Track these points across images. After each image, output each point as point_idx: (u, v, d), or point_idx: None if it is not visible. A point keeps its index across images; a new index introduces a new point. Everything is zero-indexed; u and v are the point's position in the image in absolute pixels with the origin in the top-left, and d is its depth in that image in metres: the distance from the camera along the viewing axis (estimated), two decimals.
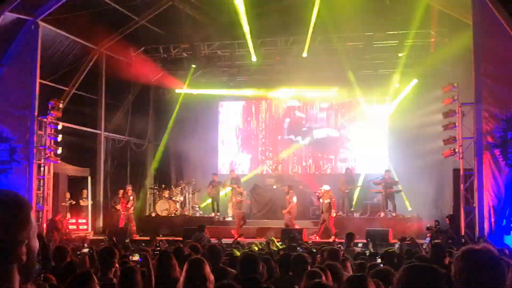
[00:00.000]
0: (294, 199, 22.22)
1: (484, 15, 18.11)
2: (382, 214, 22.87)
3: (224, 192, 25.31)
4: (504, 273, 3.29)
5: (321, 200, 21.81)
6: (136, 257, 9.20)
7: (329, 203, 21.34)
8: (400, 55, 24.25)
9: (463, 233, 18.54)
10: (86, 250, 11.65)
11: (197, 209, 25.78)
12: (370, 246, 16.21)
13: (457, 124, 19.25)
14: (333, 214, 21.32)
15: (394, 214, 22.96)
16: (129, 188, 23.84)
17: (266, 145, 28.52)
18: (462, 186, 19.04)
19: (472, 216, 18.50)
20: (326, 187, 21.79)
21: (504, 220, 17.68)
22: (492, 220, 17.80)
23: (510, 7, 17.78)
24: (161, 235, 20.30)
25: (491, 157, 18.01)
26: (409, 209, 23.93)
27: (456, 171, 19.81)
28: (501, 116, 17.90)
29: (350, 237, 14.31)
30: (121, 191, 24.37)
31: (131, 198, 23.38)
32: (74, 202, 24.01)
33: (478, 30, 18.43)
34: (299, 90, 26.95)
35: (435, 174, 24.54)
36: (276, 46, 25.35)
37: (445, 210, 22.45)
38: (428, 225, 19.54)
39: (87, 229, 23.70)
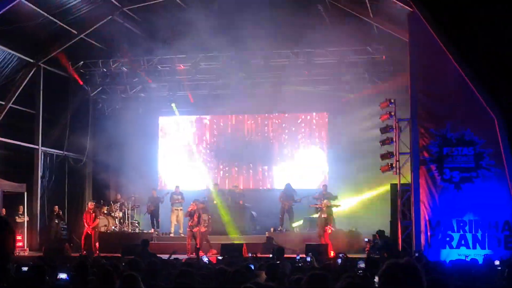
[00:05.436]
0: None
1: (420, 32, 18.48)
2: (329, 230, 22.98)
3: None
4: (422, 286, 3.35)
5: (318, 214, 21.79)
6: (63, 275, 8.92)
7: (326, 218, 21.37)
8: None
9: (400, 247, 18.75)
10: (25, 268, 11.28)
11: (137, 225, 25.53)
12: (313, 260, 16.23)
13: (394, 139, 19.50)
14: (329, 231, 21.34)
15: (333, 229, 23.10)
16: (90, 205, 23.19)
17: (207, 160, 28.46)
18: (399, 200, 19.27)
19: (410, 230, 18.75)
20: (327, 202, 21.81)
21: (440, 234, 18.02)
22: (429, 234, 18.10)
23: (445, 25, 18.18)
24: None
25: (427, 172, 18.33)
26: (348, 224, 24.12)
27: (393, 185, 20.06)
28: (437, 132, 18.26)
29: (280, 251, 14.35)
30: (56, 207, 24.11)
31: (95, 214, 22.73)
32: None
33: (414, 48, 18.80)
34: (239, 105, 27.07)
35: (373, 189, 24.87)
36: (218, 61, 25.33)
37: (383, 224, 22.71)
38: (366, 239, 19.74)
39: (23, 246, 23.20)
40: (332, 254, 18.85)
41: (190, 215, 21.90)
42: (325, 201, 22.07)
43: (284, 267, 10.72)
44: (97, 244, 22.20)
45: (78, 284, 8.28)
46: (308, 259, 14.92)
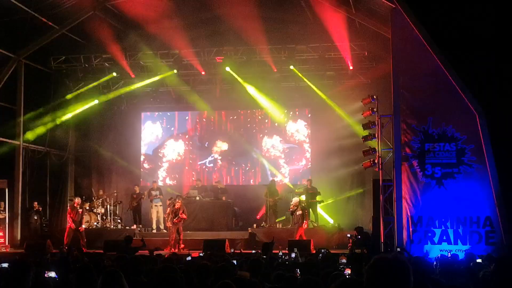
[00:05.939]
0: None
1: (402, 29, 18.52)
2: (305, 225, 23.02)
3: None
4: (409, 282, 3.36)
5: (294, 213, 21.74)
6: (52, 274, 8.82)
7: (301, 214, 21.33)
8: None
9: (382, 243, 18.81)
10: (5, 265, 11.15)
11: (119, 221, 25.42)
12: (297, 255, 16.23)
13: (376, 135, 19.55)
14: (305, 226, 21.31)
15: (316, 225, 23.17)
16: (77, 201, 22.60)
17: (190, 155, 28.40)
18: (381, 196, 19.31)
19: (391, 225, 18.82)
20: (296, 199, 21.77)
21: (422, 230, 18.11)
22: (411, 229, 18.18)
23: (427, 22, 18.25)
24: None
25: (409, 168, 18.40)
26: (331, 220, 24.21)
27: (375, 181, 20.09)
28: (419, 128, 18.33)
29: (266, 247, 14.37)
30: (35, 204, 23.91)
31: (82, 211, 22.37)
32: None
33: (396, 44, 18.82)
34: (222, 100, 27.06)
35: (356, 185, 24.94)
36: (199, 57, 25.22)
37: (365, 220, 22.78)
38: (349, 235, 19.76)
39: (4, 243, 23.04)
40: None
41: (175, 212, 21.79)
42: (295, 198, 22.07)
43: (271, 262, 10.73)
44: (85, 241, 21.99)
45: (61, 282, 8.21)
46: (293, 255, 14.90)
